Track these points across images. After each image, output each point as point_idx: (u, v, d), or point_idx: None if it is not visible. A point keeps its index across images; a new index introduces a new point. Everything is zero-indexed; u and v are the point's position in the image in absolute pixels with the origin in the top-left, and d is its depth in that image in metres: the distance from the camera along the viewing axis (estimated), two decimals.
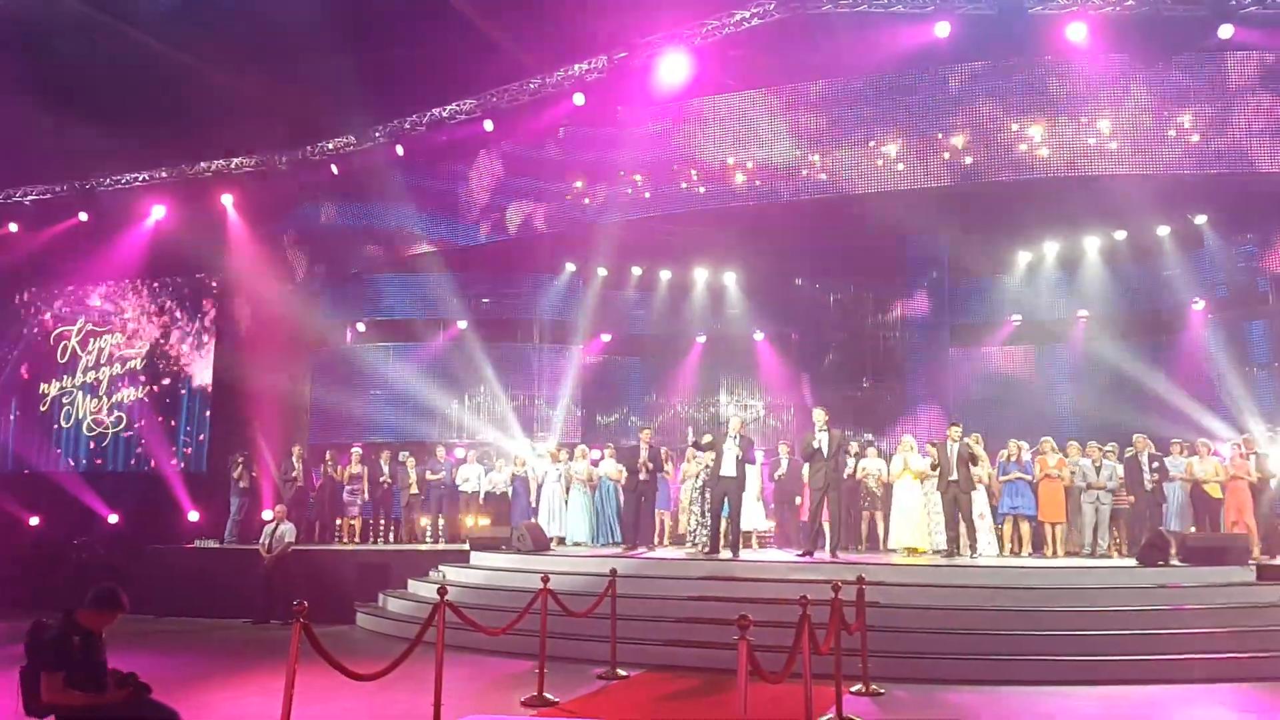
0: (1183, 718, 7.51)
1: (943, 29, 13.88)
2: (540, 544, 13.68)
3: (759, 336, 21.61)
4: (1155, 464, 13.29)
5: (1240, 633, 9.40)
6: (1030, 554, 13.46)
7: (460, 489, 16.25)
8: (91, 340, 19.38)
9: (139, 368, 18.95)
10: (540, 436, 19.70)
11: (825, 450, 12.55)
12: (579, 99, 15.82)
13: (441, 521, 16.48)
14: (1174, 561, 11.41)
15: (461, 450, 17.85)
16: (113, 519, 17.48)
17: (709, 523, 13.03)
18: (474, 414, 19.88)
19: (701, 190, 17.13)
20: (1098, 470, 13.39)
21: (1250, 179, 14.37)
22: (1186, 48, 13.71)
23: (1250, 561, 11.24)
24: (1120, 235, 19.21)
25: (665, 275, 21.82)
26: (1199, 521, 13.19)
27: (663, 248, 20.43)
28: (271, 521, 14.40)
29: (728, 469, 12.56)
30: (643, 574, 11.76)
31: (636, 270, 21.55)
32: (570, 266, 20.86)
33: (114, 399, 18.96)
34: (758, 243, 19.50)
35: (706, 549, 12.94)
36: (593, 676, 9.05)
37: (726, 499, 12.69)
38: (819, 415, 12.93)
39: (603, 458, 15.86)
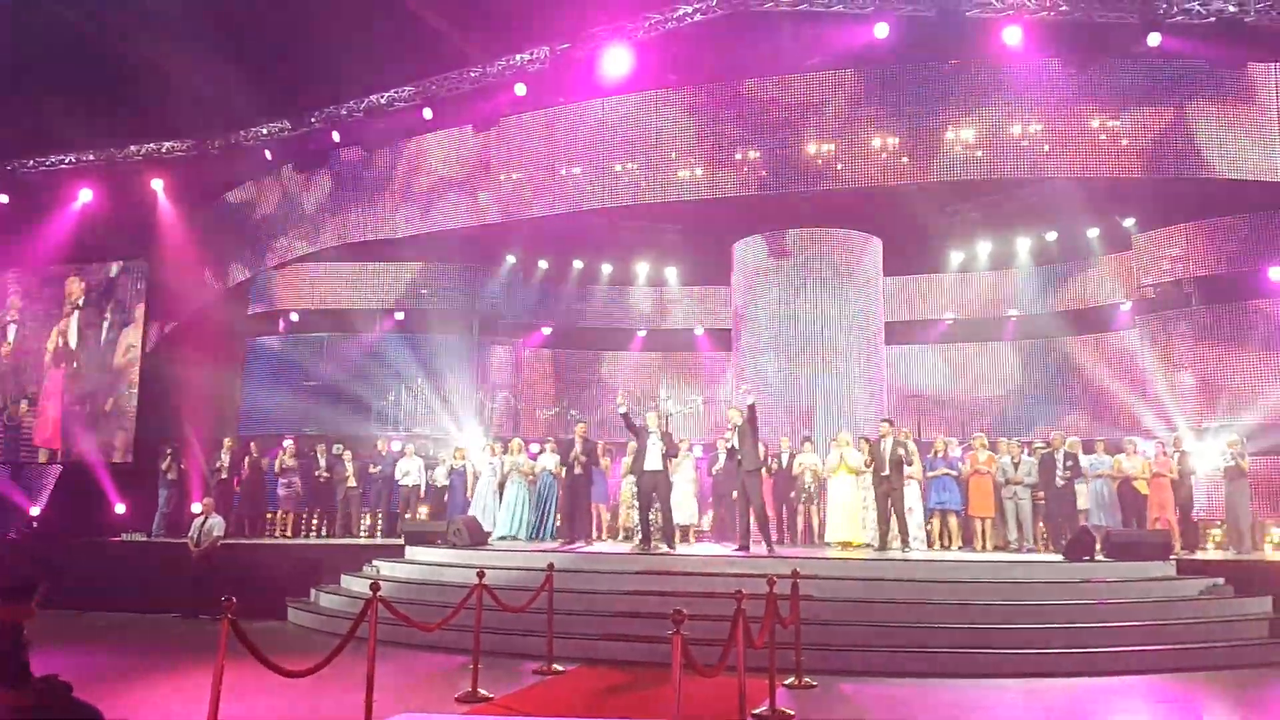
0: (1104, 709, 7.70)
1: (882, 29, 14.04)
2: (477, 538, 13.58)
3: (699, 331, 21.71)
4: (1069, 461, 13.61)
5: (1160, 626, 9.68)
6: (960, 548, 13.71)
7: (400, 483, 16.08)
8: (13, 327, 18.73)
9: (64, 355, 18.36)
10: (478, 429, 19.57)
11: (735, 443, 12.59)
12: (520, 89, 15.73)
13: (380, 516, 16.30)
14: (1099, 556, 11.70)
15: (399, 443, 17.66)
16: (34, 511, 16.97)
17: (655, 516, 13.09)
18: (411, 407, 19.69)
19: (642, 184, 17.12)
20: (1016, 466, 13.68)
21: (1177, 183, 14.77)
22: (1117, 53, 14.05)
23: (1171, 557, 11.58)
24: (1051, 236, 19.66)
25: (607, 269, 21.84)
26: (1126, 518, 13.55)
27: (604, 241, 20.45)
28: (200, 515, 14.11)
29: (651, 463, 12.62)
30: (580, 568, 11.73)
31: (578, 263, 21.53)
32: (510, 258, 20.76)
33: (38, 387, 18.36)
34: (699, 238, 19.59)
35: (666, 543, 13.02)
36: (529, 672, 9.01)
37: (655, 493, 12.75)
38: (732, 415, 12.98)
39: (543, 451, 15.81)
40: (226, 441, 16.28)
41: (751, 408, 12.47)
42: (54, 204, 18.23)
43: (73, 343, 18.27)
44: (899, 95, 14.77)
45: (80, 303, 18.42)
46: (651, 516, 12.93)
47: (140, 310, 18.11)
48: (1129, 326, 19.22)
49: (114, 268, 18.48)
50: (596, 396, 21.62)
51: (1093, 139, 14.29)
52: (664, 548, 12.66)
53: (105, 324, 18.32)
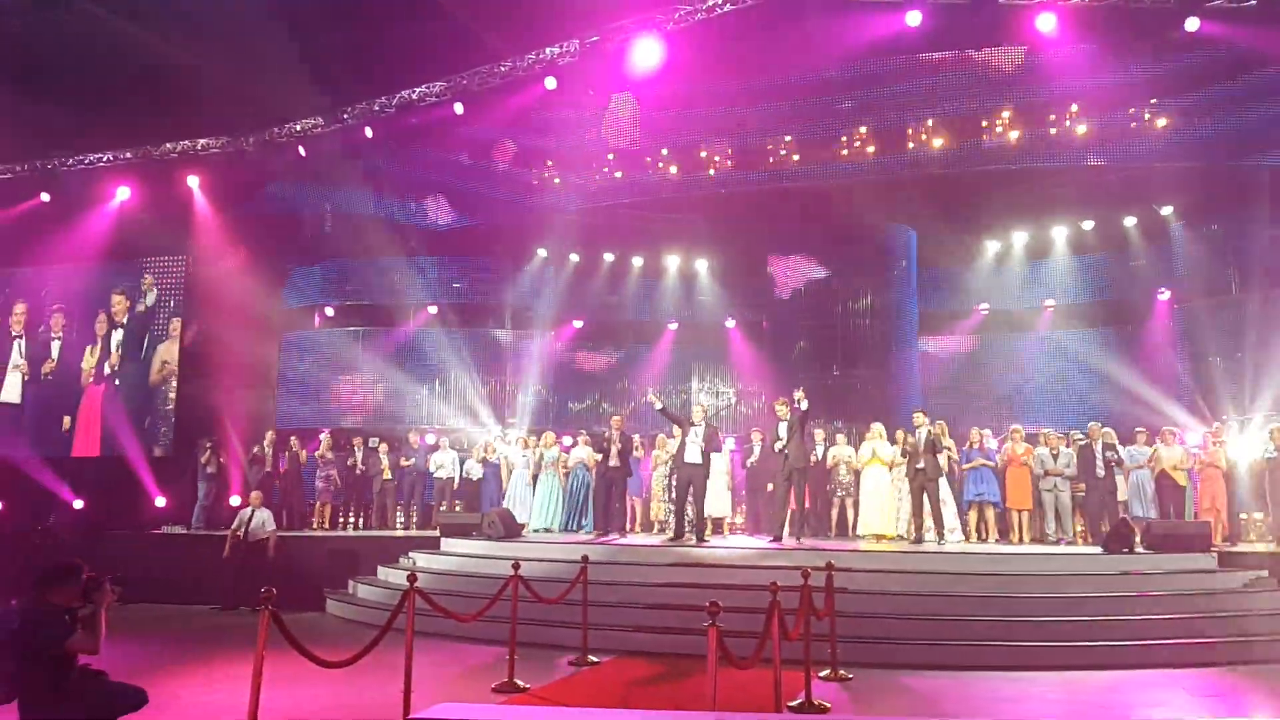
0: (1144, 702, 7.62)
1: (914, 18, 13.90)
2: (511, 530, 13.65)
3: (730, 324, 21.65)
4: (1109, 452, 13.44)
5: (1201, 618, 9.56)
6: (997, 541, 13.60)
7: (434, 475, 16.20)
8: (56, 344, 18.93)
9: (106, 352, 18.58)
10: (511, 423, 19.66)
11: (783, 437, 12.71)
12: (551, 83, 15.71)
13: (414, 508, 16.45)
14: (1138, 549, 11.57)
15: (433, 436, 17.78)
16: (78, 504, 17.25)
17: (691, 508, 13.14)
18: (444, 400, 19.80)
19: (673, 176, 17.13)
20: (1055, 458, 13.53)
21: (1215, 170, 14.55)
22: (1154, 40, 13.84)
23: (1212, 548, 11.42)
24: (1088, 225, 19.41)
25: (637, 262, 21.81)
26: (1164, 509, 13.36)
27: (635, 234, 20.43)
28: (245, 508, 14.27)
29: (692, 456, 12.67)
30: (614, 560, 11.77)
31: (608, 256, 21.52)
32: (542, 252, 20.80)
33: (81, 383, 18.61)
34: (729, 230, 19.53)
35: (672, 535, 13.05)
36: (564, 663, 9.07)
37: (692, 485, 12.77)
38: (780, 408, 13.07)
39: (575, 444, 15.85)
40: (268, 435, 16.45)
41: (804, 410, 12.62)
42: (93, 202, 18.48)
43: (114, 363, 18.37)
44: (934, 85, 14.64)
45: (124, 320, 18.54)
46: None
47: (176, 325, 18.28)
48: (1167, 315, 18.95)
49: (150, 294, 18.57)
50: (628, 389, 21.63)
51: (1129, 126, 14.09)
52: (692, 540, 12.71)
53: (145, 342, 18.41)
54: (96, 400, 18.29)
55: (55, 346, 18.76)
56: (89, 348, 18.58)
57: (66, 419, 18.35)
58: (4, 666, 4.95)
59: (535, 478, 15.55)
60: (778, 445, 12.97)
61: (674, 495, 13.27)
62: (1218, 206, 17.49)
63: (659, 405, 13.13)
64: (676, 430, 13.72)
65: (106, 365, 18.34)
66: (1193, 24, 13.11)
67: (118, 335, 18.48)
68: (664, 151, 17.15)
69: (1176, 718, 7.09)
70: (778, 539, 12.61)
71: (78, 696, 5.12)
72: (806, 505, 13.58)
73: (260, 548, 13.81)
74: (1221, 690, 7.93)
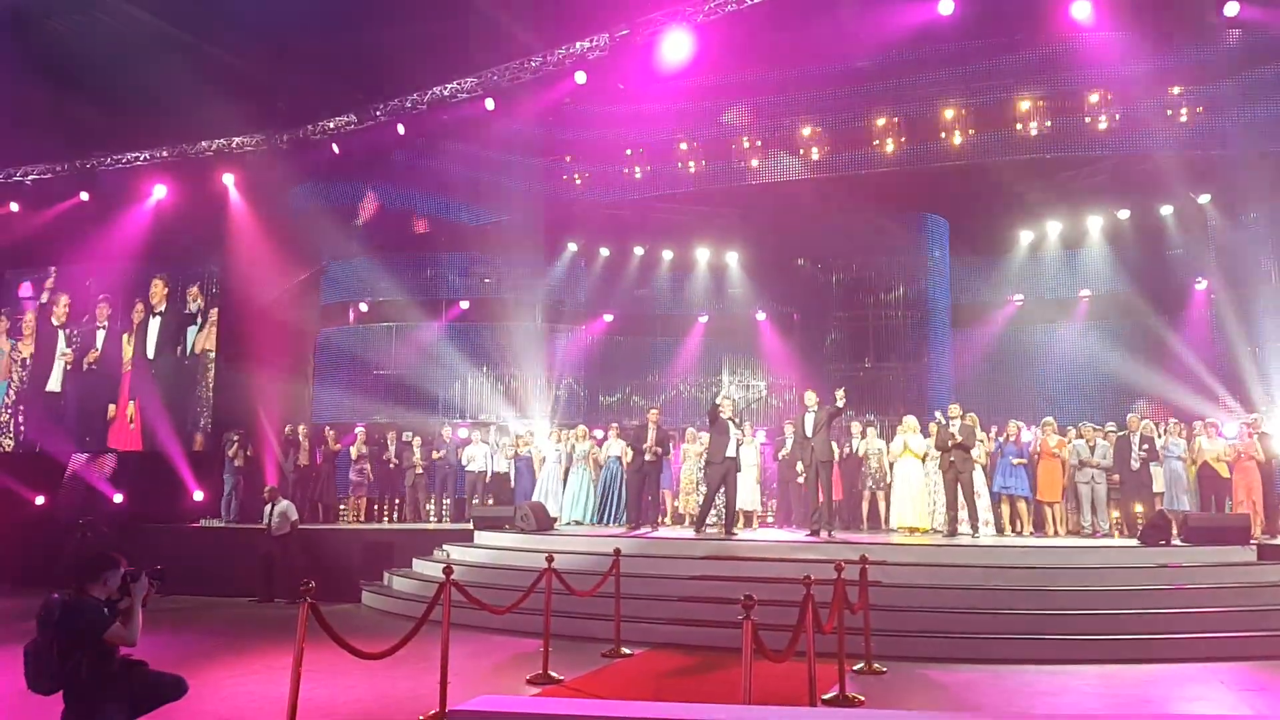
0: (1182, 696, 7.55)
1: (946, 6, 13.78)
2: (544, 523, 13.73)
3: (761, 316, 21.61)
4: (1145, 445, 13.29)
5: (1240, 612, 9.46)
6: (1031, 533, 13.50)
7: (466, 469, 16.32)
8: (101, 333, 19.22)
9: (142, 347, 18.85)
10: (543, 416, 19.74)
11: (809, 430, 12.70)
12: (581, 77, 15.73)
13: (446, 501, 16.57)
14: (1175, 541, 11.44)
15: (465, 430, 17.90)
16: (118, 498, 17.53)
17: (722, 501, 13.15)
18: (476, 394, 19.92)
19: (703, 169, 17.09)
20: (1092, 450, 13.40)
21: (1252, 158, 14.32)
22: (1190, 25, 13.62)
23: (1251, 541, 11.27)
24: (1123, 214, 19.18)
25: (667, 255, 21.82)
26: (1205, 501, 13.19)
27: (665, 227, 20.44)
28: (267, 501, 14.43)
29: (731, 450, 12.69)
30: (646, 553, 11.82)
31: (639, 250, 21.55)
32: (572, 246, 20.87)
33: (117, 378, 18.89)
34: (759, 222, 19.49)
35: (717, 526, 13.11)
36: (597, 655, 9.11)
37: (726, 479, 12.82)
38: (809, 397, 13.05)
39: (606, 437, 15.90)
40: (302, 429, 16.65)
41: (840, 408, 12.64)
42: (131, 200, 18.74)
43: (150, 351, 18.65)
44: (966, 73, 14.51)
45: (163, 309, 18.77)
46: (720, 501, 13.04)
47: (214, 314, 18.50)
48: (1204, 305, 18.69)
49: (188, 261, 18.80)
50: (659, 382, 21.66)
51: (1164, 114, 13.90)
52: (714, 533, 12.78)
53: (186, 331, 18.65)
54: (135, 388, 18.57)
55: (100, 336, 19.04)
56: (126, 335, 18.84)
57: (111, 407, 18.64)
58: (48, 658, 5.05)
59: (567, 471, 15.61)
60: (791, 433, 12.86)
61: (708, 488, 13.29)
62: (1255, 194, 17.20)
63: (724, 410, 12.93)
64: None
65: (146, 352, 18.61)
66: (1232, 9, 12.91)
67: (155, 324, 18.72)
68: (694, 144, 17.12)
69: (1215, 712, 7.02)
70: (815, 533, 12.60)
71: (120, 686, 5.21)
72: (836, 498, 13.54)
73: (284, 541, 13.96)
74: (1261, 684, 7.84)
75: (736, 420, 13.15)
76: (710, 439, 13.15)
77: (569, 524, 15.03)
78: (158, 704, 5.47)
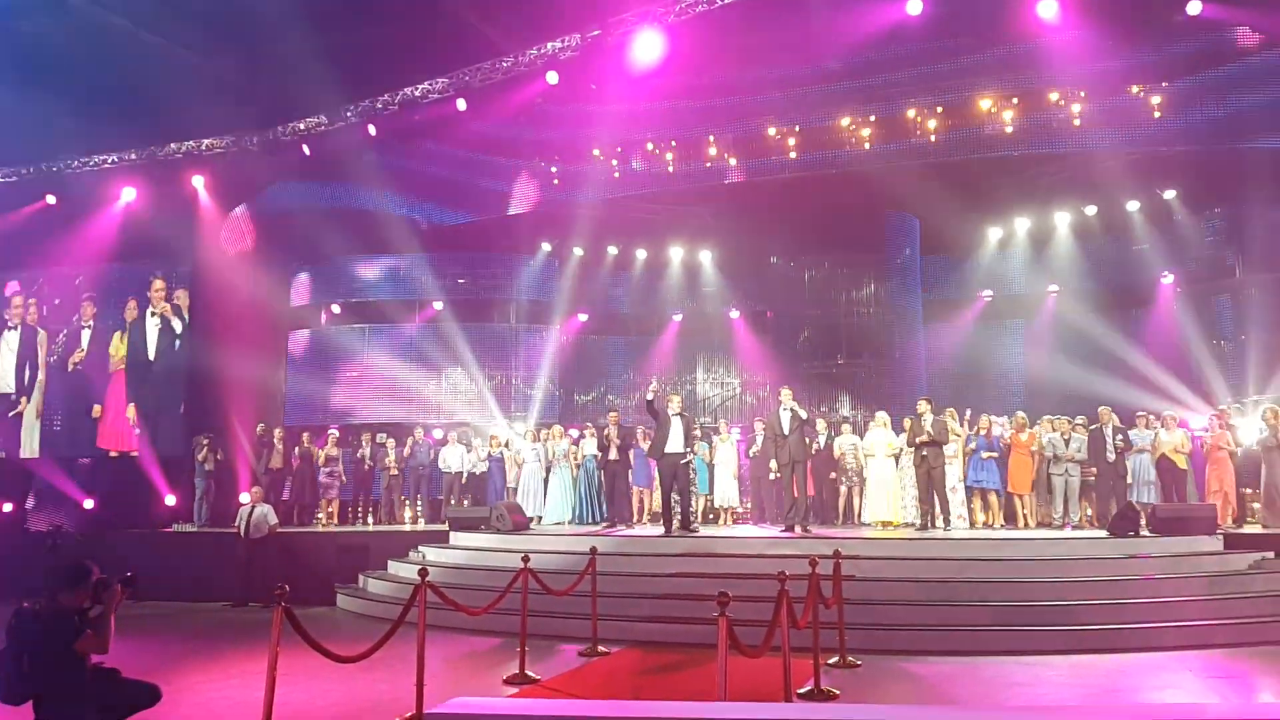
0: (1152, 684, 7.67)
1: (915, 6, 13.87)
2: (519, 523, 13.74)
3: (734, 314, 21.68)
4: (1119, 436, 13.46)
5: (1207, 601, 9.60)
6: (1003, 526, 13.64)
7: (442, 470, 16.29)
8: (86, 332, 18.92)
9: (131, 360, 18.55)
10: (518, 416, 19.74)
11: (785, 428, 12.74)
12: (552, 77, 15.71)
13: (420, 503, 16.53)
14: (1144, 532, 11.60)
15: (440, 431, 17.86)
16: (88, 504, 17.34)
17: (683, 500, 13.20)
18: (451, 395, 19.87)
19: (676, 168, 17.15)
20: (1066, 443, 13.55)
21: (1216, 154, 14.53)
22: (1155, 24, 13.81)
23: (1217, 531, 11.45)
24: (1090, 210, 19.40)
25: (641, 254, 21.84)
26: (1166, 492, 13.38)
27: (638, 227, 20.47)
28: (247, 505, 14.36)
29: (673, 445, 12.75)
30: (622, 552, 11.85)
31: (613, 249, 21.55)
32: (546, 246, 20.85)
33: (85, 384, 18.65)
34: (732, 221, 19.56)
35: (684, 527, 13.13)
36: (574, 654, 9.14)
37: (676, 476, 12.90)
38: (785, 394, 13.11)
39: (582, 436, 15.92)
40: (277, 432, 16.53)
41: (803, 420, 12.78)
42: (99, 203, 18.47)
43: (151, 352, 18.36)
44: (935, 73, 14.63)
45: (159, 309, 18.49)
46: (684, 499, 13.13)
47: (183, 304, 18.27)
48: (1171, 300, 18.93)
49: (158, 264, 18.51)
50: (633, 381, 21.69)
51: (1130, 111, 14.08)
52: (685, 526, 12.83)
53: (174, 327, 18.41)
54: (122, 388, 18.32)
55: (85, 336, 18.78)
56: (117, 334, 18.57)
57: (97, 407, 18.39)
58: (18, 668, 5.02)
59: (549, 471, 15.63)
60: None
61: (662, 486, 13.30)
62: (1220, 190, 17.46)
63: (650, 396, 13.16)
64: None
65: (134, 347, 18.40)
66: (1194, 7, 13.08)
67: (152, 324, 18.47)
68: (667, 144, 17.17)
69: (1184, 700, 7.13)
70: (789, 529, 12.67)
71: (91, 695, 5.19)
72: (810, 494, 13.64)
73: (264, 544, 13.89)
74: (1229, 672, 7.97)
75: (682, 412, 13.17)
76: (655, 433, 13.22)
77: (545, 524, 15.06)
78: (130, 712, 5.45)
